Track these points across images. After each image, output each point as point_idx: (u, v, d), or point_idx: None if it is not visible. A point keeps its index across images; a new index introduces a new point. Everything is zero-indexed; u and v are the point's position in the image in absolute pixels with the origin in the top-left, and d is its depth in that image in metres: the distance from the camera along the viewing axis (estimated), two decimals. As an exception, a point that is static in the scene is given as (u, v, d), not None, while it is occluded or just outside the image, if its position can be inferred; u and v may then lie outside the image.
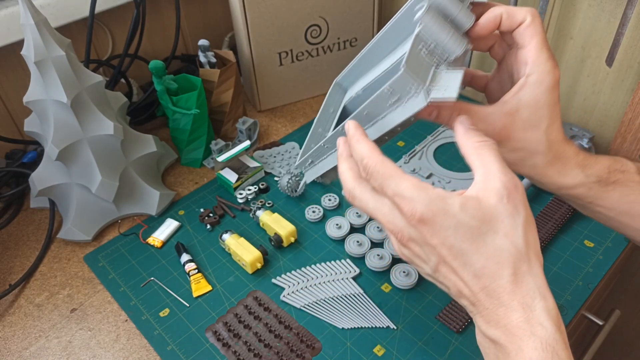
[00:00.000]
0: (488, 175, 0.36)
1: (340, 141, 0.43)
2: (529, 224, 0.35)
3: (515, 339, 0.33)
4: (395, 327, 0.62)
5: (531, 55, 0.42)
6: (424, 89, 0.38)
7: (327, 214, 0.77)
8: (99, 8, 0.82)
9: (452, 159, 0.84)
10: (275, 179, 0.84)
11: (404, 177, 0.36)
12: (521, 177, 0.67)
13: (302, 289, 0.66)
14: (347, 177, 0.41)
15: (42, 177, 0.74)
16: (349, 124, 0.41)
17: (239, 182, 0.80)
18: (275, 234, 0.71)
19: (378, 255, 0.68)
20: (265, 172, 0.85)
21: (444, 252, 0.35)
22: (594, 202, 0.45)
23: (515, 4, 0.79)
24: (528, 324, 0.33)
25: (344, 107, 0.57)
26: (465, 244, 0.34)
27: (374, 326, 0.62)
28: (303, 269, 0.69)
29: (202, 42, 0.85)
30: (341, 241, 0.72)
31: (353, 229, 0.73)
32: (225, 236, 0.71)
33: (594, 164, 0.45)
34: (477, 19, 0.42)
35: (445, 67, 0.40)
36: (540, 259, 0.35)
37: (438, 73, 0.39)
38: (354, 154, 0.40)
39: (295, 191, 0.79)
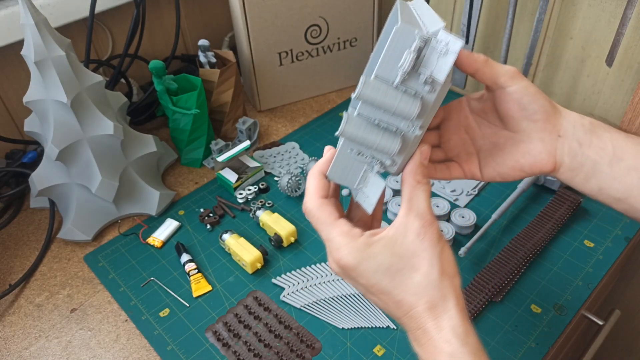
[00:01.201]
0: (410, 213, 0.39)
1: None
2: (443, 257, 0.39)
3: (431, 356, 0.38)
4: (395, 327, 0.62)
5: (495, 73, 0.44)
6: (354, 190, 0.42)
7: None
8: (99, 8, 0.82)
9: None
10: (275, 179, 0.84)
11: (334, 224, 0.40)
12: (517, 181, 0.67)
13: (302, 289, 0.66)
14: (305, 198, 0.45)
15: (42, 177, 0.74)
16: (327, 151, 0.44)
17: (239, 182, 0.80)
18: (275, 234, 0.71)
19: (378, 255, 0.68)
20: (265, 172, 0.85)
21: (369, 287, 0.40)
22: (616, 154, 0.43)
23: (515, 5, 0.79)
24: (438, 342, 0.38)
25: None
26: (386, 281, 0.39)
27: (374, 326, 0.62)
28: (303, 269, 0.69)
29: (202, 42, 0.85)
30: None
31: (353, 229, 0.73)
32: (225, 236, 0.71)
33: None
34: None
35: (379, 167, 0.40)
36: (456, 286, 0.39)
37: (368, 177, 0.41)
38: None
39: (296, 191, 0.79)
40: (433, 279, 0.38)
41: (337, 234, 0.40)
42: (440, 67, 0.36)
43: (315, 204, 0.41)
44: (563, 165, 0.45)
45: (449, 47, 0.35)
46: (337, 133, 0.39)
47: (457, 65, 0.43)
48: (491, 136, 0.47)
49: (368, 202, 0.41)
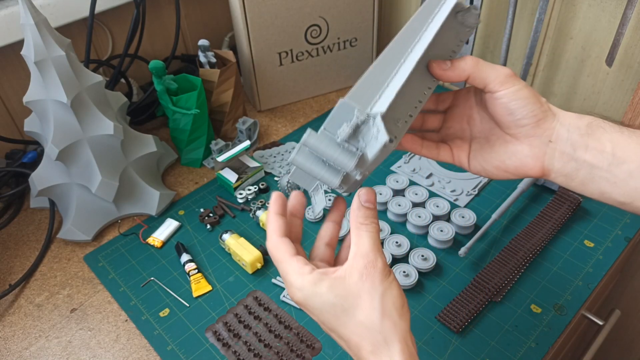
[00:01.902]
0: (356, 254, 0.40)
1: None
2: (386, 298, 0.38)
3: None
4: (395, 327, 0.61)
5: (485, 78, 0.44)
6: (310, 192, 0.44)
7: (327, 214, 0.77)
8: (99, 8, 0.82)
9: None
10: (275, 179, 0.84)
11: (289, 262, 0.41)
12: (516, 182, 0.67)
13: (302, 289, 0.66)
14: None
15: (42, 177, 0.74)
16: (273, 196, 0.45)
17: (239, 182, 0.80)
18: (275, 234, 0.71)
19: (378, 255, 0.68)
20: (265, 172, 0.85)
21: (322, 325, 0.41)
22: (616, 155, 0.42)
23: (515, 5, 0.79)
24: None
25: None
26: (332, 320, 0.39)
27: (374, 326, 0.62)
28: (303, 269, 0.69)
29: (202, 42, 0.85)
30: (341, 241, 0.72)
31: (353, 229, 0.73)
32: (225, 236, 0.71)
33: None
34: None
35: (327, 187, 0.43)
36: (401, 328, 0.38)
37: (318, 190, 0.44)
38: None
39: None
40: (373, 322, 0.38)
41: (290, 272, 0.41)
42: (372, 146, 0.38)
43: (272, 243, 0.43)
44: (553, 170, 0.44)
45: (379, 136, 0.38)
46: (288, 160, 0.41)
47: (446, 80, 0.44)
48: (487, 131, 0.47)
49: (315, 208, 0.45)
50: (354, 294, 0.39)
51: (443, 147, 0.50)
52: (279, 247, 0.42)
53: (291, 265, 0.41)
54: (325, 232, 0.47)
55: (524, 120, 0.43)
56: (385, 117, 0.38)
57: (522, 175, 0.46)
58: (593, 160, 0.42)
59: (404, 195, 0.77)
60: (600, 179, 0.43)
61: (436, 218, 0.73)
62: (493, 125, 0.47)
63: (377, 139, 0.38)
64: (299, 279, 0.40)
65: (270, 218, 0.44)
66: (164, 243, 0.74)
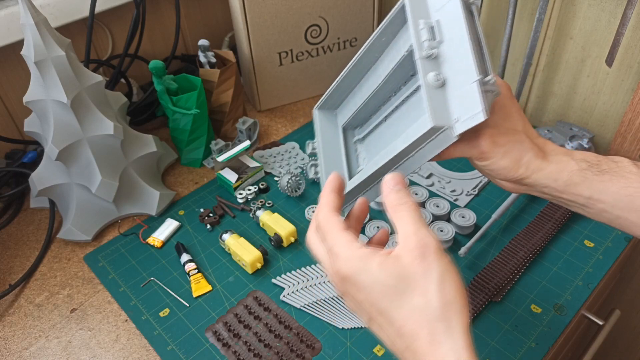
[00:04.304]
0: (404, 236, 0.37)
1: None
2: (445, 281, 0.35)
3: None
4: (395, 327, 0.61)
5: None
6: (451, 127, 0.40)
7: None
8: (99, 8, 0.82)
9: (451, 159, 0.84)
10: (275, 179, 0.84)
11: (338, 233, 0.39)
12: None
13: (302, 289, 0.66)
14: (311, 223, 0.44)
15: (42, 177, 0.74)
16: (331, 175, 0.44)
17: (239, 182, 0.80)
18: (275, 234, 0.71)
19: (378, 255, 0.68)
20: (265, 172, 0.85)
21: (369, 308, 0.37)
22: (593, 197, 0.44)
23: (515, 5, 0.79)
24: None
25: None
26: (384, 302, 0.36)
27: (374, 326, 0.62)
28: (303, 269, 0.69)
29: (202, 42, 0.85)
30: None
31: (353, 229, 0.73)
32: (225, 236, 0.71)
33: (579, 153, 0.46)
34: None
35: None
36: (463, 317, 0.35)
37: (452, 96, 0.41)
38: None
39: (296, 191, 0.79)
40: (433, 307, 0.34)
41: (339, 243, 0.39)
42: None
43: (324, 215, 0.41)
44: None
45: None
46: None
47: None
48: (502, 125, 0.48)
49: (476, 114, 0.40)
50: (408, 275, 0.35)
51: None
52: (331, 219, 0.41)
53: (341, 236, 0.39)
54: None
55: (501, 182, 0.47)
56: None
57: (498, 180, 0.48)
58: (569, 198, 0.45)
59: (404, 195, 0.77)
60: (575, 208, 0.46)
61: (436, 218, 0.73)
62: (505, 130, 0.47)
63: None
64: (348, 251, 0.38)
65: (324, 193, 0.43)
66: (164, 243, 0.74)
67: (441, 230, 0.70)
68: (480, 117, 0.38)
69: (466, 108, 0.39)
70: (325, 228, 0.41)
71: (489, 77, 0.40)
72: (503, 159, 0.45)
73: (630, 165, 0.44)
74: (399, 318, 0.35)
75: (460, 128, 0.39)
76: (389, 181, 0.41)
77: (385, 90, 0.50)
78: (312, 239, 0.43)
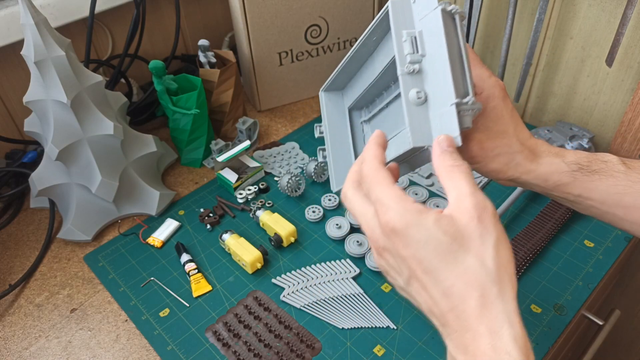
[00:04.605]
0: (460, 196, 0.36)
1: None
2: (501, 246, 0.34)
3: None
4: (395, 327, 0.62)
5: (475, 75, 0.45)
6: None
7: (327, 214, 0.77)
8: (99, 8, 0.82)
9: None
10: (275, 179, 0.84)
11: (390, 186, 0.38)
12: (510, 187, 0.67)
13: (302, 289, 0.66)
14: (349, 178, 0.43)
15: (42, 177, 0.74)
16: (376, 132, 0.43)
17: (239, 182, 0.80)
18: (275, 234, 0.71)
19: (378, 255, 0.68)
20: (265, 172, 0.85)
21: (414, 265, 0.35)
22: (582, 195, 0.45)
23: (515, 5, 0.79)
24: (495, 352, 0.32)
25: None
26: (435, 260, 0.34)
27: (374, 326, 0.62)
28: (303, 269, 0.69)
29: (202, 42, 0.85)
30: (341, 241, 0.72)
31: (353, 229, 0.73)
32: (225, 236, 0.71)
33: (571, 154, 0.47)
34: None
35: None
36: (514, 283, 0.34)
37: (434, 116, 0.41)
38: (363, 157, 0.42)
39: (296, 191, 0.79)
40: (488, 269, 0.33)
41: (390, 195, 0.37)
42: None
43: (372, 166, 0.39)
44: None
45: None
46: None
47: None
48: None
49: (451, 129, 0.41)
50: (464, 235, 0.34)
51: None
52: (380, 171, 0.39)
53: (394, 189, 0.37)
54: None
55: (495, 179, 0.48)
56: None
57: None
58: (559, 195, 0.46)
59: (404, 195, 0.77)
60: (565, 203, 0.47)
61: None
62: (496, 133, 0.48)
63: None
64: (400, 203, 0.36)
65: (370, 147, 0.41)
66: (164, 243, 0.74)
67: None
68: (457, 142, 0.39)
69: (445, 130, 0.39)
70: (374, 180, 0.38)
71: (467, 99, 0.39)
72: (492, 162, 0.46)
73: (619, 164, 0.45)
74: (449, 277, 0.34)
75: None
76: (443, 141, 0.39)
77: (385, 80, 0.51)
78: (351, 192, 0.41)
